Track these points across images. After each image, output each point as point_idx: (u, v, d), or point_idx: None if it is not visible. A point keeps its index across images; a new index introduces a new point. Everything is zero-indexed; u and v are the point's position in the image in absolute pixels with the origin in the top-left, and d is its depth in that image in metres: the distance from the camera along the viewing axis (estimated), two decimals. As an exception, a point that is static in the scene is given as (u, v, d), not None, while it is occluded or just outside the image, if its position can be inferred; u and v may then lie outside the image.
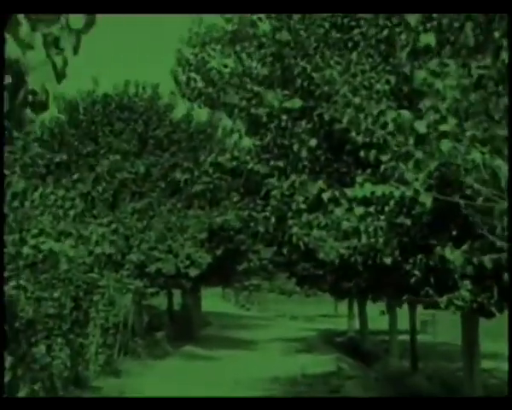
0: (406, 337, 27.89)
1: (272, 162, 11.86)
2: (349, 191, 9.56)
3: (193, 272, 25.61)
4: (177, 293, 44.41)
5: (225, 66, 12.17)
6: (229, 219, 24.01)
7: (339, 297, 39.94)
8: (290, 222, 11.01)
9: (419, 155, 8.27)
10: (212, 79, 12.18)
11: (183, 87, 12.57)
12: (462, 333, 15.61)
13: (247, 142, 13.24)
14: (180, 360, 26.94)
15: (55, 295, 14.14)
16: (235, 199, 16.96)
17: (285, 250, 21.86)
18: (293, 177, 11.22)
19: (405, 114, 7.82)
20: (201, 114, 31.87)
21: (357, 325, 40.46)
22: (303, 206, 10.85)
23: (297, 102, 10.60)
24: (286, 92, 11.04)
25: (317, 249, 10.70)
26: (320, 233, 10.46)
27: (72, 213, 13.95)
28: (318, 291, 40.08)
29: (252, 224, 13.47)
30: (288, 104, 10.59)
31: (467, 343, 15.12)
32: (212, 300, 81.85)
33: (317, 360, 27.17)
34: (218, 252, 26.87)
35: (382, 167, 9.56)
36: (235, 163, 12.87)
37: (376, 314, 35.75)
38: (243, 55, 12.27)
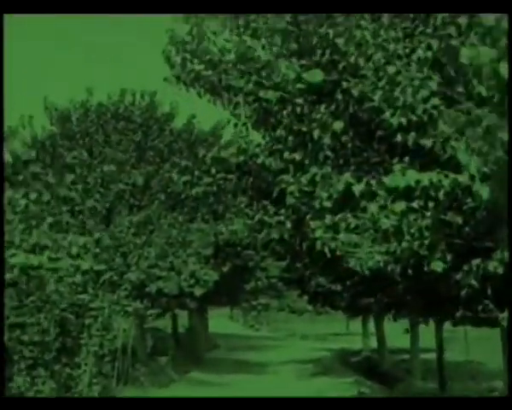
0: (428, 356, 25.90)
1: (287, 154, 9.81)
2: (388, 180, 7.54)
3: (198, 292, 23.53)
4: (183, 314, 42.49)
5: (227, 41, 10.12)
6: (237, 230, 21.98)
7: (354, 315, 37.76)
8: (312, 224, 8.93)
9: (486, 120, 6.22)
10: (211, 60, 10.14)
11: (178, 69, 10.52)
12: (505, 351, 13.63)
13: (255, 136, 11.24)
14: (186, 387, 24.82)
15: (37, 319, 12.11)
16: (242, 204, 14.92)
17: (299, 263, 19.92)
18: (313, 170, 9.17)
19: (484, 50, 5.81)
20: (203, 122, 30.00)
21: (372, 343, 38.40)
22: (327, 204, 8.79)
23: (318, 74, 8.59)
24: (303, 62, 9.00)
25: (345, 257, 8.65)
26: (349, 237, 8.41)
27: (48, 221, 11.95)
28: (331, 309, 37.97)
29: (263, 232, 11.35)
30: (306, 76, 8.58)
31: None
32: (219, 321, 79.73)
33: (335, 384, 25.05)
34: (225, 269, 24.83)
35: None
36: (242, 158, 10.88)
37: (393, 332, 33.63)
38: (248, 33, 10.26)
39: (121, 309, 19.37)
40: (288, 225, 10.19)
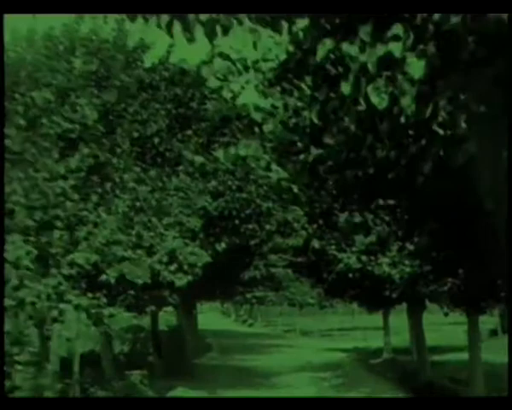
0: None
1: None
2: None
3: (180, 281, 16.34)
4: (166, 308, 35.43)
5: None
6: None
7: (376, 307, 30.66)
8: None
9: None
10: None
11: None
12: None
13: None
14: (167, 412, 17.69)
15: None
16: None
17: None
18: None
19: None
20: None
21: (393, 340, 31.54)
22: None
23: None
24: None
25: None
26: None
27: None
28: (350, 302, 30.95)
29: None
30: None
31: None
32: (208, 316, 72.68)
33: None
34: (220, 247, 17.77)
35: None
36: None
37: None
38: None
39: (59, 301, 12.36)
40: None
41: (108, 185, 14.27)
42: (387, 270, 19.50)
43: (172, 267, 16.14)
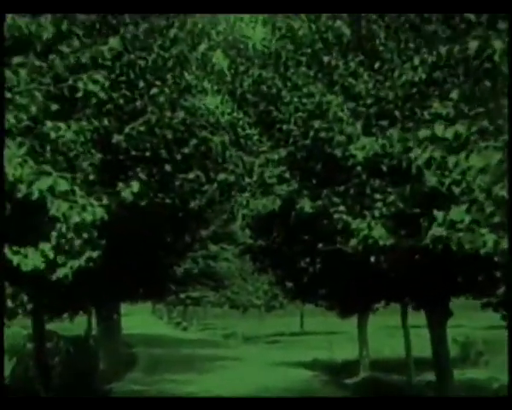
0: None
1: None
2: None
3: (62, 271, 9.04)
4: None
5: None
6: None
7: (351, 311, 23.28)
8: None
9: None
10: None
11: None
12: None
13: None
14: None
15: None
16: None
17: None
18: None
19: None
20: None
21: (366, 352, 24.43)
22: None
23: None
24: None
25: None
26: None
27: None
28: (320, 304, 23.45)
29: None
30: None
31: None
32: (136, 319, 64.52)
33: None
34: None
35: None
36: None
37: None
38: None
39: None
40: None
41: None
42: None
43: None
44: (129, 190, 8.98)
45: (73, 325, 31.32)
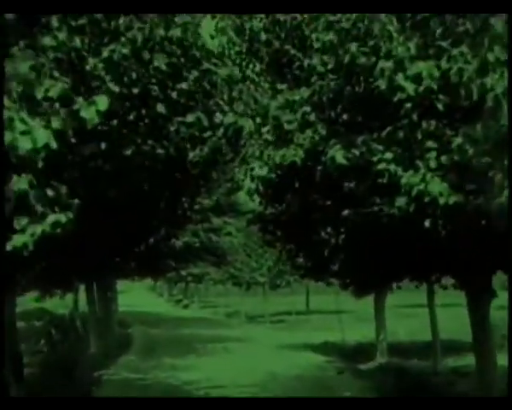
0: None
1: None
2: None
3: (20, 239, 6.59)
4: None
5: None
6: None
7: (368, 290, 20.79)
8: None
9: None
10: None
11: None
12: None
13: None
14: None
15: None
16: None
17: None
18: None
19: None
20: None
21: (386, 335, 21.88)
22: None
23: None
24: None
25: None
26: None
27: None
28: (332, 281, 20.97)
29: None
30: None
31: None
32: (135, 295, 62.21)
33: None
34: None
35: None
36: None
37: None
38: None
39: None
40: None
41: None
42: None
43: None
44: (92, 107, 6.28)
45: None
